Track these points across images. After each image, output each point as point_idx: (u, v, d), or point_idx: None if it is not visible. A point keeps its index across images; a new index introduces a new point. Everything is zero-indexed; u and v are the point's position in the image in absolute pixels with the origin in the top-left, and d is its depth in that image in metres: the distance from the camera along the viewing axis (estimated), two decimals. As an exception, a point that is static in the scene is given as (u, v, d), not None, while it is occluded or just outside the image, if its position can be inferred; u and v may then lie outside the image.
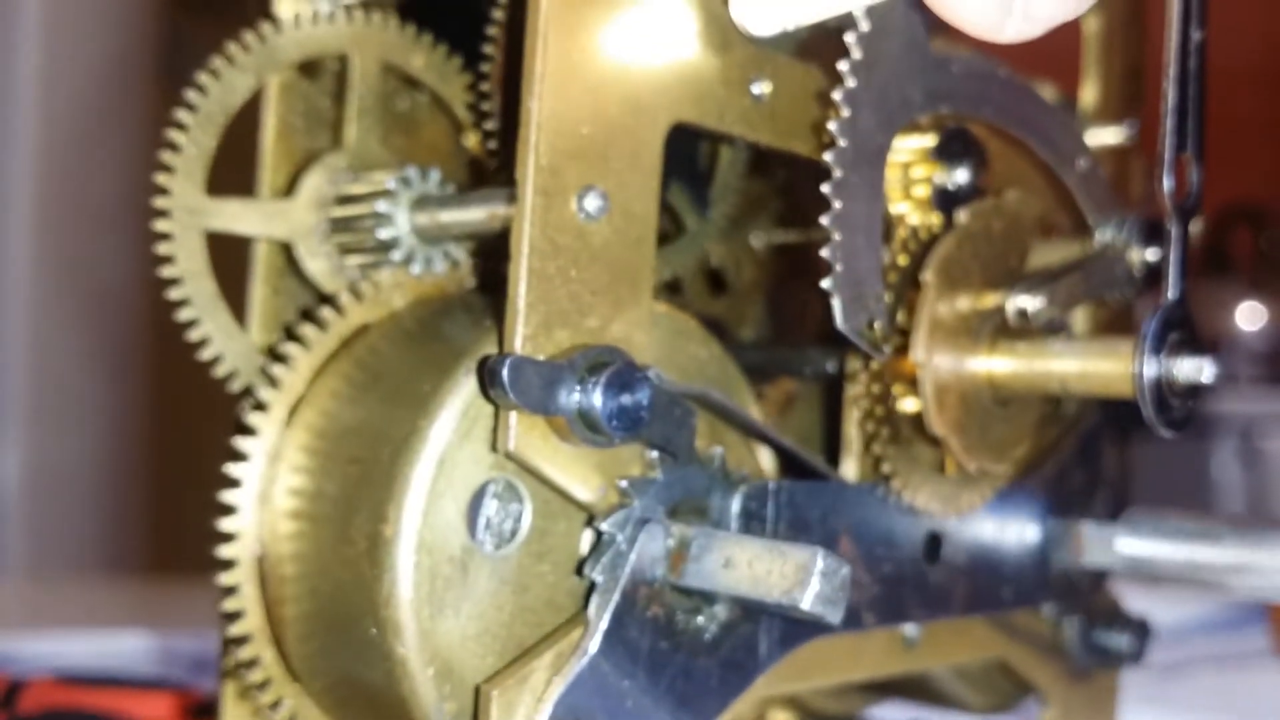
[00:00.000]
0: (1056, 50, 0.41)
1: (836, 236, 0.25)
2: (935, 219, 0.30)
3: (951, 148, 0.29)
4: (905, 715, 0.44)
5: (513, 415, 0.24)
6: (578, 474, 0.26)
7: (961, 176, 0.29)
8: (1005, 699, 0.39)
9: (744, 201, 0.37)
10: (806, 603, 0.23)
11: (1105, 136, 0.39)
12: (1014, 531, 0.34)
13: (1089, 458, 0.36)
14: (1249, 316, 1.78)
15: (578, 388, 0.24)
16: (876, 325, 0.26)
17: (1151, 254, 0.31)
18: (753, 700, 0.43)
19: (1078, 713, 0.38)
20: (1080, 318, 0.37)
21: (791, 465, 0.30)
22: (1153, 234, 0.32)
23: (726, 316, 0.42)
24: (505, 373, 0.23)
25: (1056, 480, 0.35)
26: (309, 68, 0.33)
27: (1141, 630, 0.39)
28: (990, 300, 0.29)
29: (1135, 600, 0.90)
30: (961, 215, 0.29)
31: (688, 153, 0.34)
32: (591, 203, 0.25)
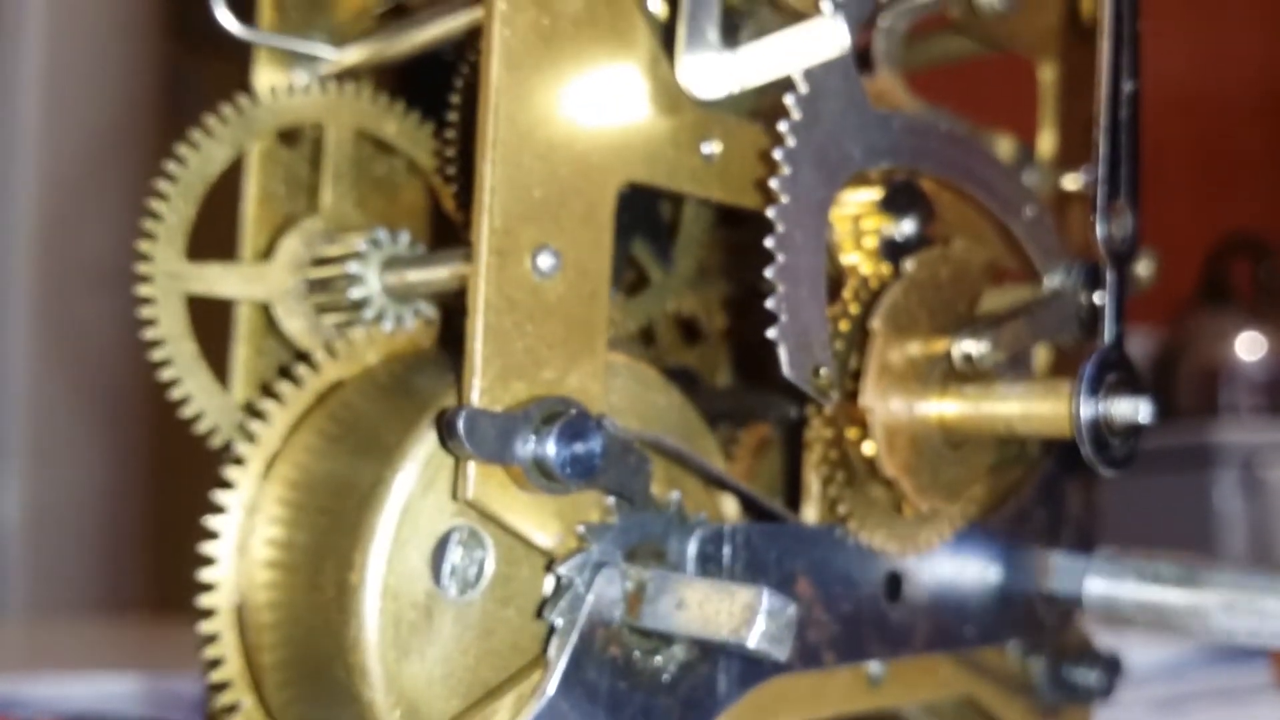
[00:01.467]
0: (1023, 100, 0.42)
1: (780, 288, 0.26)
2: (885, 269, 0.31)
3: (898, 200, 0.30)
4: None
5: (471, 465, 0.25)
6: (537, 520, 0.26)
7: (908, 227, 0.30)
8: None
9: (709, 254, 0.38)
10: (753, 641, 0.24)
11: (1065, 183, 0.40)
12: (976, 570, 0.34)
13: (1051, 496, 0.37)
14: (1249, 347, 1.78)
15: (532, 437, 0.25)
16: (823, 372, 0.27)
17: (1099, 298, 0.32)
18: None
19: (1049, 748, 0.38)
20: (1041, 358, 0.38)
21: (752, 508, 0.31)
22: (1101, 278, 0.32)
23: (699, 365, 0.43)
24: (461, 425, 0.24)
25: (1018, 519, 0.36)
26: (289, 136, 0.34)
27: (1111, 666, 0.39)
28: (938, 346, 0.30)
29: (1133, 634, 0.90)
30: (908, 264, 0.30)
31: (651, 209, 0.35)
32: (545, 261, 0.26)
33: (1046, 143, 0.40)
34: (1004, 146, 0.39)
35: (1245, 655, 0.83)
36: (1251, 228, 1.95)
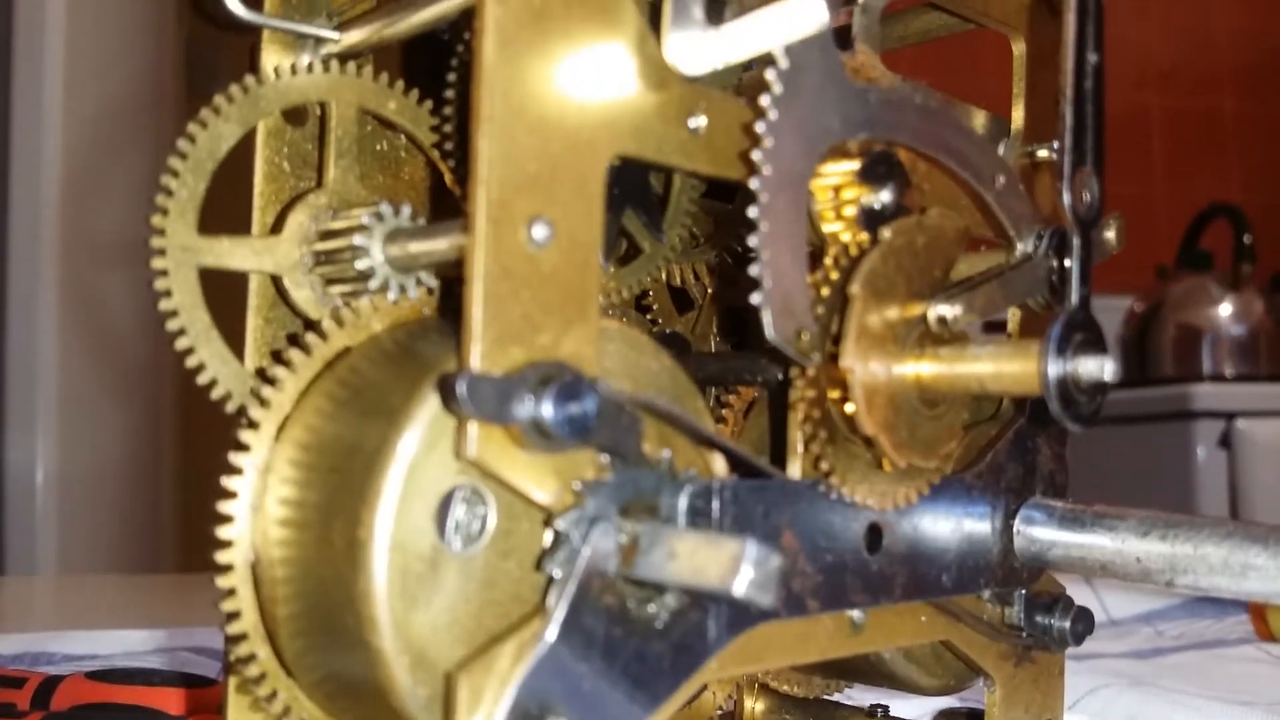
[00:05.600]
0: (1004, 75, 0.43)
1: (764, 255, 0.27)
2: (863, 237, 0.31)
3: (876, 170, 0.31)
4: (868, 698, 0.45)
5: (472, 425, 0.26)
6: (535, 478, 0.27)
7: (886, 196, 0.31)
8: (955, 680, 0.40)
9: (698, 224, 0.38)
10: (739, 589, 0.25)
11: (1037, 154, 0.40)
12: (952, 522, 0.35)
13: (1024, 452, 0.38)
14: (1229, 312, 1.79)
15: (530, 399, 0.26)
16: (804, 335, 0.28)
17: (1068, 263, 0.33)
18: (722, 685, 0.44)
19: (1022, 692, 0.39)
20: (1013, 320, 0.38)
21: (740, 466, 0.32)
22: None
23: (691, 331, 0.43)
24: (462, 387, 0.25)
25: (992, 474, 0.37)
26: (295, 115, 0.34)
27: (1083, 615, 0.40)
28: (915, 309, 0.31)
29: (1116, 586, 0.91)
30: (885, 232, 0.30)
31: (642, 181, 0.35)
32: (539, 231, 0.27)
33: (1020, 115, 0.41)
34: (978, 120, 0.40)
35: (1224, 607, 0.84)
36: (1230, 197, 1.96)
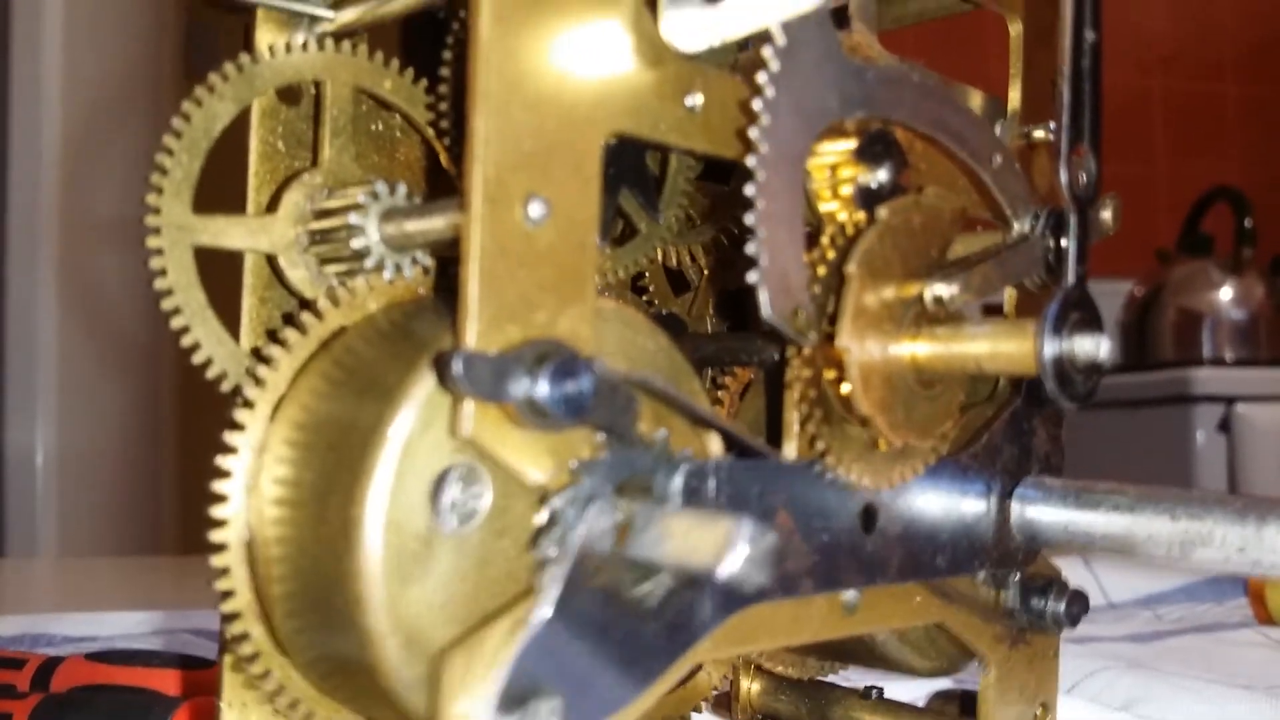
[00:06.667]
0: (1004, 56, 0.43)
1: (760, 233, 0.27)
2: (860, 216, 0.31)
3: (872, 149, 0.31)
4: (864, 680, 0.45)
5: (468, 404, 0.26)
6: (531, 456, 0.27)
7: (883, 175, 0.31)
8: (949, 662, 0.40)
9: (696, 205, 0.38)
10: (733, 568, 0.25)
11: (1034, 134, 0.40)
12: (947, 502, 0.35)
13: (1020, 433, 0.38)
14: (1229, 297, 1.79)
15: (526, 377, 0.26)
16: (801, 314, 0.27)
17: (1065, 242, 0.33)
18: (717, 666, 0.44)
19: (1017, 675, 0.39)
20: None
21: (736, 446, 0.32)
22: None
23: (688, 312, 0.43)
24: (458, 366, 0.25)
25: (988, 455, 0.37)
26: (289, 94, 0.34)
27: (1078, 598, 0.40)
28: (911, 289, 0.31)
29: (1114, 569, 0.91)
30: (882, 211, 0.30)
31: (638, 161, 0.35)
32: (535, 209, 0.26)
33: (1017, 96, 0.41)
34: (975, 100, 0.40)
35: (1224, 591, 0.84)
36: (1231, 180, 1.95)
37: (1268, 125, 2.26)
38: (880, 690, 0.45)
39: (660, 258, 0.41)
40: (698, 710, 0.46)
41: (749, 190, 0.27)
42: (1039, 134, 0.39)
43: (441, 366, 0.25)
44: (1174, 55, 2.23)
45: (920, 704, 0.46)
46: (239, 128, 0.34)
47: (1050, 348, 0.28)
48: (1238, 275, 1.77)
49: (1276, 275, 1.81)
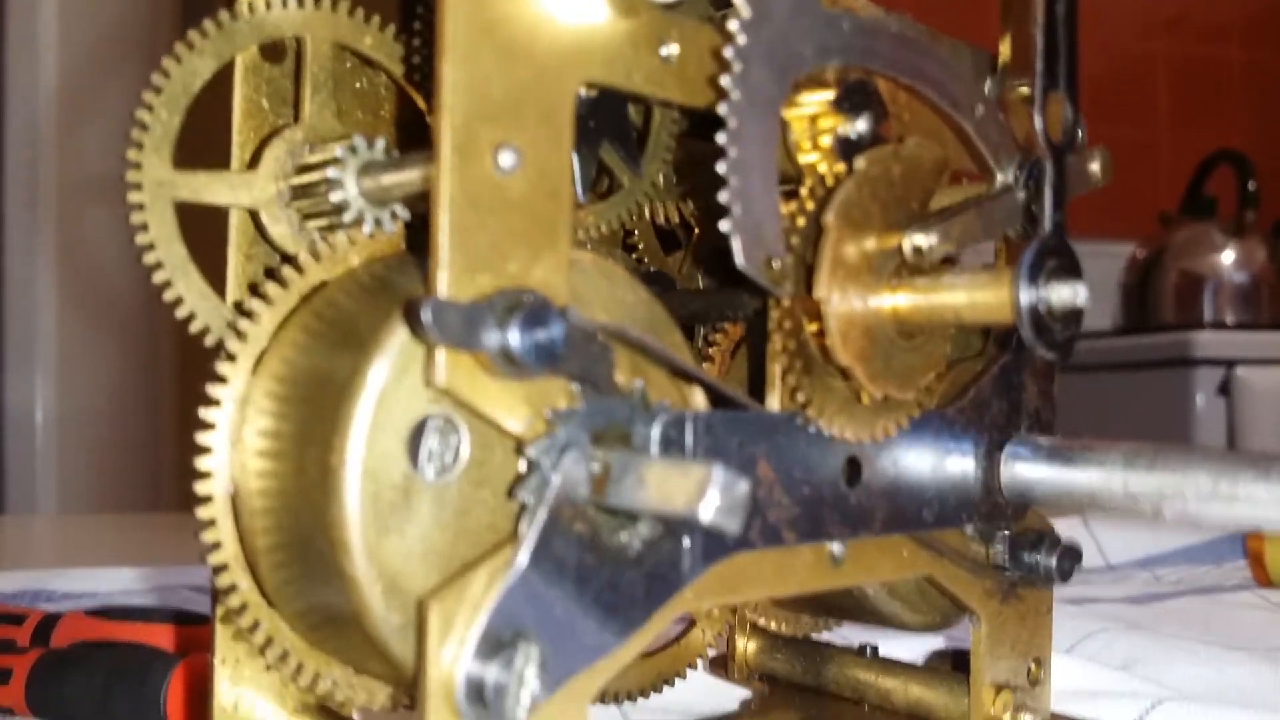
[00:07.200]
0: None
1: (733, 182, 0.26)
2: (839, 167, 0.31)
3: (852, 99, 0.30)
4: (859, 638, 0.45)
5: (440, 352, 0.26)
6: (506, 406, 0.27)
7: (861, 125, 0.30)
8: (941, 617, 0.40)
9: (680, 159, 0.38)
10: (706, 514, 0.25)
11: (1024, 90, 0.39)
12: (933, 456, 0.35)
13: (1010, 388, 0.37)
14: (1231, 260, 1.77)
15: (496, 325, 0.25)
16: (775, 263, 0.27)
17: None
18: (712, 623, 0.44)
19: (1009, 629, 0.39)
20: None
21: (716, 397, 0.31)
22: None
23: (679, 271, 0.43)
24: (428, 314, 0.24)
25: (976, 409, 0.36)
26: (272, 51, 0.34)
27: (1070, 552, 0.39)
28: (890, 239, 0.30)
29: (1114, 530, 0.90)
30: (860, 161, 0.30)
31: (620, 114, 0.35)
32: (505, 158, 0.26)
33: (1007, 49, 0.40)
34: (964, 54, 0.39)
35: (1222, 553, 0.84)
36: (1235, 144, 1.93)
37: (1272, 89, 2.24)
38: (875, 648, 0.44)
39: (649, 215, 0.41)
40: (692, 667, 0.46)
41: (720, 138, 0.26)
42: (1025, 89, 0.39)
43: (411, 315, 0.25)
44: (1178, 19, 2.20)
45: (917, 663, 0.46)
46: (225, 86, 0.33)
47: (1026, 296, 0.27)
48: (1240, 238, 1.76)
49: (1278, 239, 1.80)
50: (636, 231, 0.42)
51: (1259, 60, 2.26)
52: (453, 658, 0.26)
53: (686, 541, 0.29)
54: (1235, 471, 0.32)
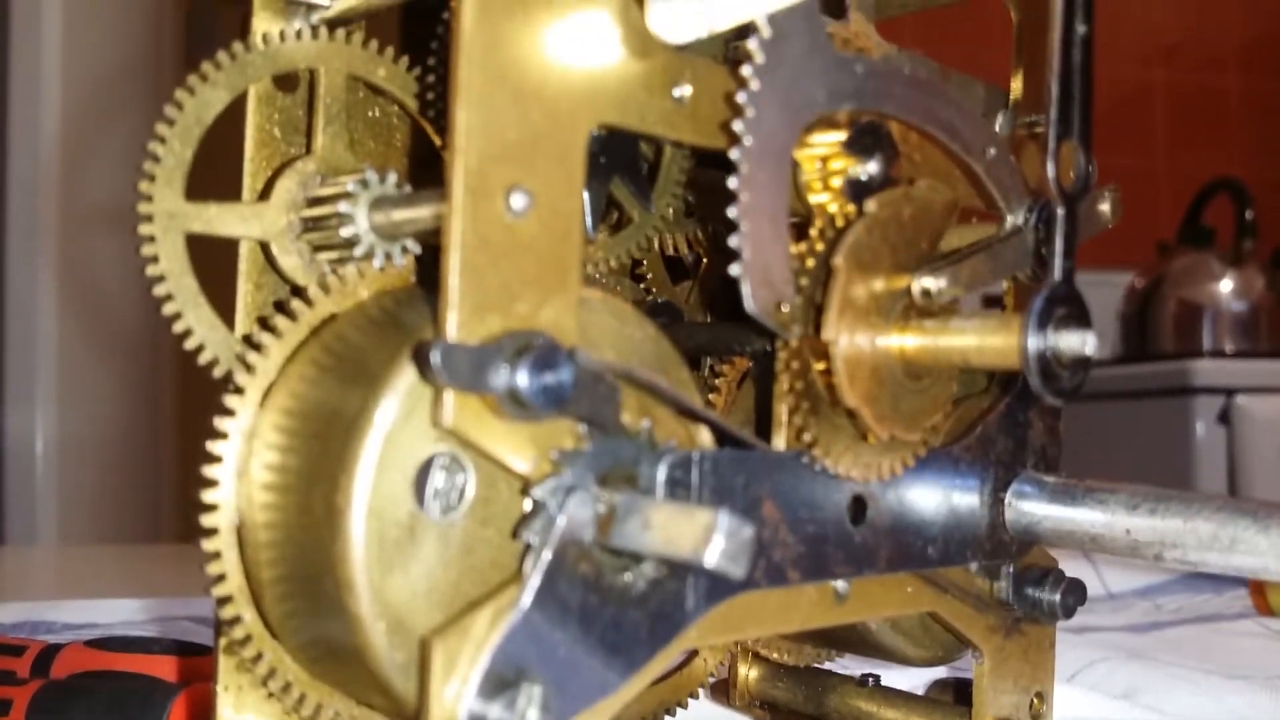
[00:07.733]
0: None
1: (744, 226, 0.26)
2: (850, 208, 0.30)
3: (862, 141, 0.30)
4: (861, 667, 0.45)
5: (448, 394, 0.25)
6: (513, 446, 0.27)
7: (873, 167, 0.30)
8: (944, 651, 0.40)
9: (692, 193, 0.37)
10: (711, 559, 0.24)
11: (1039, 128, 0.39)
12: (939, 494, 0.34)
13: (1015, 426, 0.37)
14: (1230, 288, 1.77)
15: (505, 368, 0.25)
16: (784, 307, 0.27)
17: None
18: (714, 652, 0.44)
19: (1011, 664, 0.38)
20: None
21: (721, 436, 0.31)
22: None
23: (686, 300, 0.43)
24: (436, 356, 0.24)
25: (982, 447, 0.36)
26: (286, 81, 0.34)
27: (1075, 588, 0.39)
28: (900, 281, 0.30)
29: (1114, 560, 0.89)
30: (870, 204, 0.30)
31: (631, 150, 0.35)
32: (518, 200, 0.26)
33: (1019, 85, 0.40)
34: (977, 91, 0.39)
35: (1223, 582, 0.83)
36: (1233, 172, 1.93)
37: (1269, 117, 2.23)
38: (877, 678, 0.44)
39: (658, 246, 0.40)
40: (694, 697, 0.45)
41: (732, 183, 0.26)
42: (1038, 126, 0.38)
43: (421, 357, 0.25)
44: (1176, 47, 2.20)
45: (918, 692, 0.45)
46: (238, 115, 0.33)
47: (1035, 343, 0.27)
48: (1238, 267, 1.75)
49: (1277, 267, 1.79)
50: (645, 261, 0.42)
51: (1257, 89, 2.26)
52: (455, 696, 0.25)
53: (691, 582, 0.28)
54: (1236, 520, 0.31)
